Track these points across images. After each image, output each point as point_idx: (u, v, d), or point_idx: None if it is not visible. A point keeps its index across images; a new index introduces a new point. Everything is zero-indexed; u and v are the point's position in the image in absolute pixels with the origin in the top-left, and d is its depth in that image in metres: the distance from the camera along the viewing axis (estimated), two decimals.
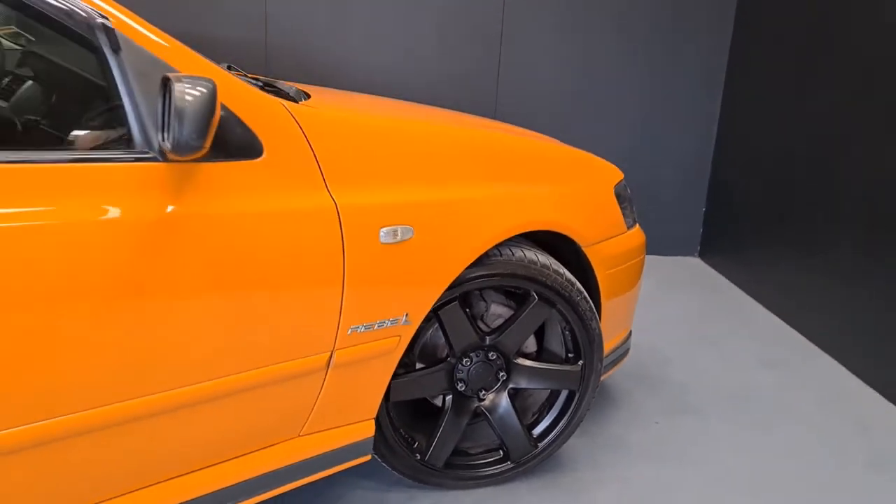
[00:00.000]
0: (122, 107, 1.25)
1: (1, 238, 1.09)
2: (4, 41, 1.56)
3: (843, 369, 2.92)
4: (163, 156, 1.24)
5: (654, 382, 2.69)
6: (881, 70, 2.80)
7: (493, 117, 4.02)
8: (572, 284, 1.89)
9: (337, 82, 3.81)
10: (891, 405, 2.63)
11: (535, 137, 2.19)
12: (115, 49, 1.23)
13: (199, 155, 1.17)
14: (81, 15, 1.21)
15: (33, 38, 1.46)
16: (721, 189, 4.23)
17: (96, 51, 1.24)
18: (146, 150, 1.24)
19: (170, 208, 1.24)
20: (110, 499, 1.33)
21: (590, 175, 2.10)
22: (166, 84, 1.19)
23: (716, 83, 4.16)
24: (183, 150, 1.13)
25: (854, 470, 2.19)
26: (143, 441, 1.31)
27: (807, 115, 3.34)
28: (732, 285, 3.96)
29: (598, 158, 2.22)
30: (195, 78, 1.14)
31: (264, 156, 1.36)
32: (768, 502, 1.99)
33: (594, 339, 1.96)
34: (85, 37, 1.22)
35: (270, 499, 1.67)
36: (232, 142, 1.31)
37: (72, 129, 1.31)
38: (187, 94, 1.11)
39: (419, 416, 1.97)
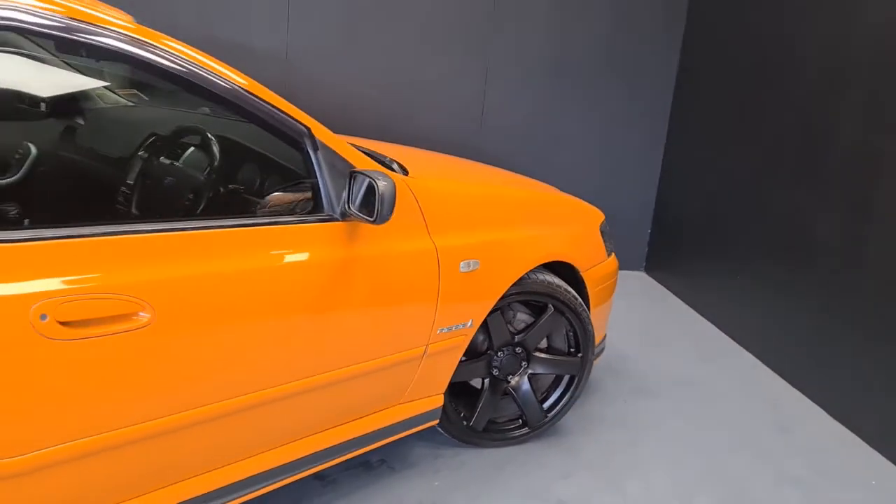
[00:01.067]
0: (315, 185, 1.92)
1: (263, 270, 1.75)
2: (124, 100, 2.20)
3: (760, 363, 3.77)
4: (342, 217, 1.92)
5: (619, 372, 3.47)
6: (792, 126, 3.68)
7: (479, 153, 4.75)
8: (576, 299, 2.64)
9: (351, 117, 4.46)
10: (795, 390, 3.49)
11: (543, 188, 2.94)
12: (315, 148, 1.91)
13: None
14: (302, 132, 1.88)
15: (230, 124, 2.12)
16: (663, 214, 5.10)
17: (300, 150, 1.91)
18: (331, 213, 1.92)
19: (344, 251, 1.92)
20: (300, 439, 2.01)
21: (584, 218, 2.87)
22: (353, 175, 1.87)
23: (660, 130, 5.02)
24: (383, 221, 1.81)
25: (767, 432, 3.02)
26: (322, 401, 1.99)
27: (735, 156, 4.20)
28: (672, 295, 4.82)
29: (588, 204, 2.99)
30: (380, 173, 1.83)
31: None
32: (704, 453, 2.79)
33: (589, 337, 2.72)
34: (294, 139, 1.89)
35: (358, 457, 2.34)
36: None
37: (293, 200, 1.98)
38: (383, 185, 1.79)
39: (461, 394, 2.68)
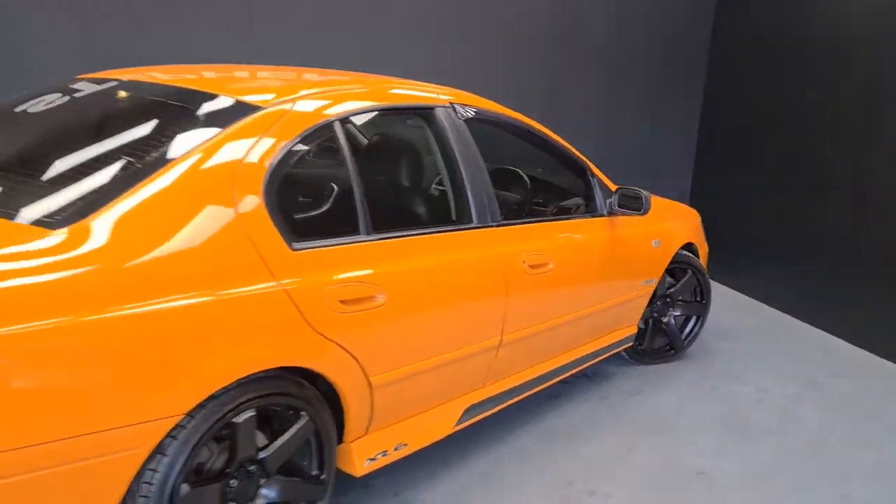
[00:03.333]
0: (591, 196, 3.40)
1: (572, 244, 3.22)
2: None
3: (792, 318, 5.36)
4: (608, 213, 3.40)
5: (708, 327, 5.00)
6: (810, 140, 5.31)
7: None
8: (702, 265, 4.18)
9: None
10: (825, 333, 5.07)
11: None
12: (592, 177, 3.40)
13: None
14: (585, 167, 3.37)
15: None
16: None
17: (584, 176, 3.40)
18: (602, 211, 3.40)
19: (609, 233, 3.41)
20: (579, 346, 3.46)
21: (694, 216, 4.43)
22: (618, 189, 3.37)
23: (689, 149, 6.65)
24: (646, 213, 3.30)
25: (813, 351, 4.59)
26: (594, 322, 3.46)
27: (758, 163, 5.83)
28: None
29: (691, 208, 4.55)
30: (636, 188, 3.33)
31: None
32: (780, 363, 4.33)
33: (709, 289, 4.26)
34: (584, 173, 3.38)
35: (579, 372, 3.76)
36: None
37: (571, 205, 3.46)
38: (645, 193, 3.29)
39: None
